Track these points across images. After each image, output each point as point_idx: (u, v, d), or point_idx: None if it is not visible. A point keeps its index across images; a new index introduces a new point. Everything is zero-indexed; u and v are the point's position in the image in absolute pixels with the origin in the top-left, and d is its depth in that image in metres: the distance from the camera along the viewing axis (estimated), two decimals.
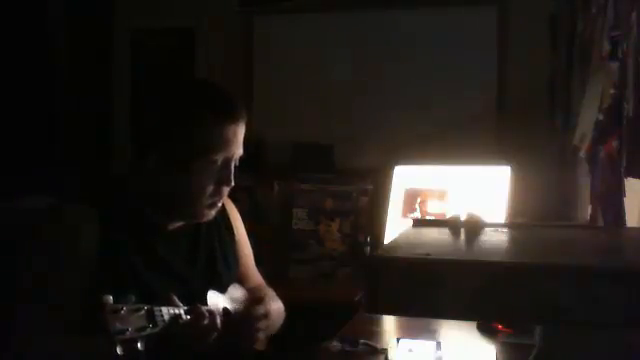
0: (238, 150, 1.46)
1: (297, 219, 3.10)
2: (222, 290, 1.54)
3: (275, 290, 1.75)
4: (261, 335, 1.51)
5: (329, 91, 3.25)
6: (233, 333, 1.43)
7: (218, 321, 1.37)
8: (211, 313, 1.36)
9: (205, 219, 1.51)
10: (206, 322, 1.34)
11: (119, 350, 1.12)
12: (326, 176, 3.14)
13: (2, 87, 3.05)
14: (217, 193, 1.46)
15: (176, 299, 1.37)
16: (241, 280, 1.68)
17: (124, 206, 1.46)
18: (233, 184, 1.47)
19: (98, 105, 3.47)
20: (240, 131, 1.46)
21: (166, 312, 1.25)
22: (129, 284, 1.36)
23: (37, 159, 3.08)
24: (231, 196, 1.59)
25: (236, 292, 1.60)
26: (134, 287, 1.34)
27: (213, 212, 1.51)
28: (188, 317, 1.34)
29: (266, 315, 1.51)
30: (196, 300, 1.40)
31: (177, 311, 1.29)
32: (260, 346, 1.56)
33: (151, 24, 3.47)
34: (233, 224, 1.68)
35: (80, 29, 3.39)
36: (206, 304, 1.42)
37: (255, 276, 1.77)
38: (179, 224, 1.52)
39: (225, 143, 1.43)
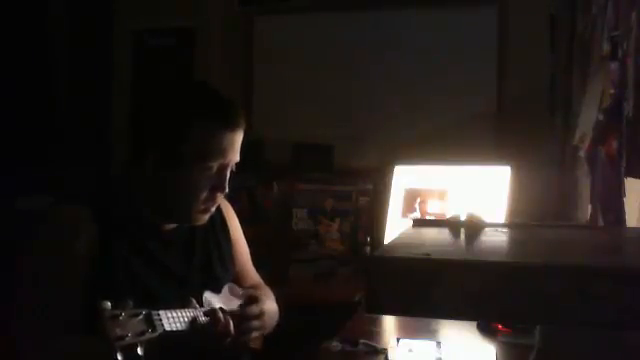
0: (235, 157, 1.45)
1: (297, 219, 3.11)
2: (218, 290, 1.54)
3: (275, 290, 1.75)
4: (255, 334, 1.51)
5: (329, 91, 3.25)
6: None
7: (232, 325, 1.38)
8: (226, 316, 1.37)
9: (197, 223, 1.51)
10: (223, 325, 1.35)
11: (119, 356, 1.12)
12: (326, 176, 3.15)
13: (2, 87, 3.05)
14: (211, 199, 1.46)
15: (194, 302, 1.37)
16: (238, 279, 1.68)
17: (123, 206, 1.46)
18: (227, 191, 1.46)
19: (98, 105, 3.48)
20: (238, 139, 1.45)
21: (164, 315, 1.25)
22: (127, 285, 1.37)
23: (37, 159, 3.08)
24: (231, 196, 1.59)
25: (232, 292, 1.59)
26: (131, 288, 1.34)
27: (206, 217, 1.50)
28: (205, 319, 1.34)
29: (260, 315, 1.51)
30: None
31: (175, 314, 1.29)
32: (255, 345, 1.56)
33: (151, 24, 3.47)
34: (229, 224, 1.68)
35: (80, 29, 3.39)
36: (202, 305, 1.42)
37: (252, 275, 1.77)
38: (175, 225, 1.52)
39: (222, 150, 1.42)
